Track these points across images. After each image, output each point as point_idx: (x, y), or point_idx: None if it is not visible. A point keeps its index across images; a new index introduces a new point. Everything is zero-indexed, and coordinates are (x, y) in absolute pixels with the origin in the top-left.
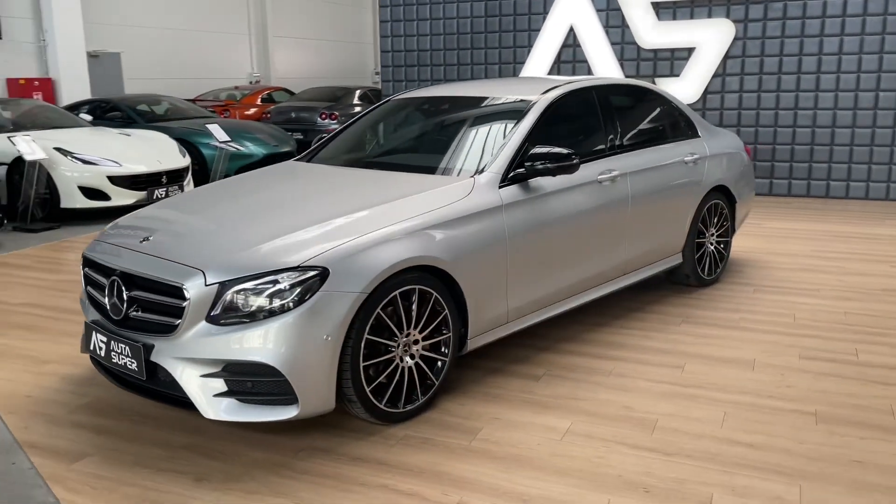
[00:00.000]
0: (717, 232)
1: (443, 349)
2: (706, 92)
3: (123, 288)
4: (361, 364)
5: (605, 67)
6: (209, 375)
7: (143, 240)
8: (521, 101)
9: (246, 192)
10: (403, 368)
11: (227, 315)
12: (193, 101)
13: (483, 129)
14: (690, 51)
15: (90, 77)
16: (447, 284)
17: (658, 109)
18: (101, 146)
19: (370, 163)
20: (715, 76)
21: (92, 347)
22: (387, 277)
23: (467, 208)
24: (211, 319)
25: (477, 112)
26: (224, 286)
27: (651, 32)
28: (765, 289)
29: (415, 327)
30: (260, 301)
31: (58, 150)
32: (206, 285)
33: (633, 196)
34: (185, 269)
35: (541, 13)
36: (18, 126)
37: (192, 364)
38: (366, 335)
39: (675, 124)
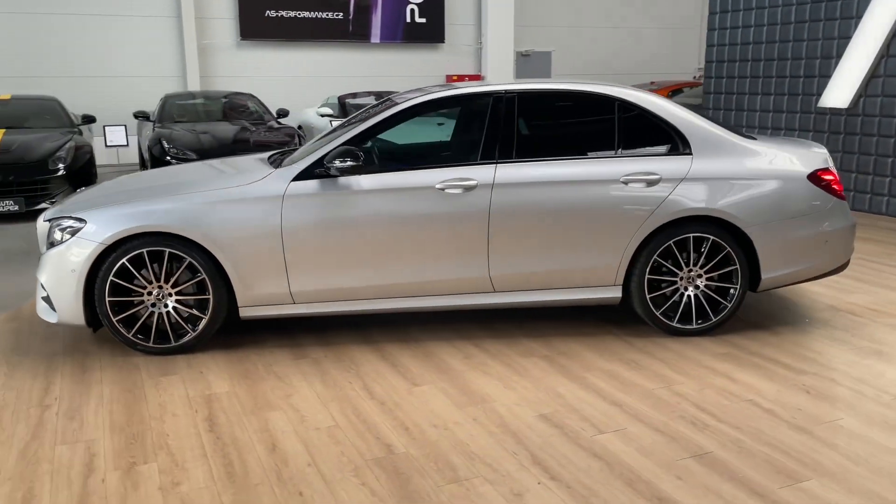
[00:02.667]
0: (704, 273)
1: (205, 309)
2: None
3: None
4: (107, 298)
5: None
6: (41, 285)
7: (80, 190)
8: (389, 105)
9: (189, 167)
10: (153, 313)
11: (52, 244)
12: None
13: (350, 130)
14: None
15: (518, 74)
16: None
17: (609, 121)
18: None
19: (275, 158)
20: None
21: None
22: (129, 236)
23: (240, 194)
24: (48, 245)
25: (369, 114)
26: (51, 223)
27: None
28: (744, 356)
29: (166, 282)
30: (58, 235)
31: None
32: (44, 221)
33: (495, 210)
34: (48, 209)
35: None
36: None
37: (39, 275)
38: (111, 278)
39: (635, 138)
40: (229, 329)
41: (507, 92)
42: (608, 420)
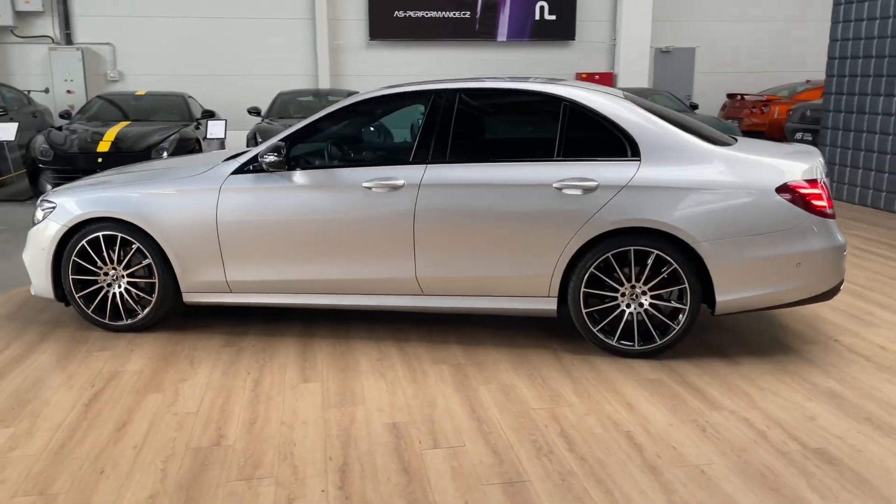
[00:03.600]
0: (650, 291)
1: (153, 292)
2: None
3: None
4: (70, 276)
5: None
6: None
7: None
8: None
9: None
10: (108, 293)
11: (34, 223)
12: (740, 96)
13: (292, 127)
14: None
15: (657, 71)
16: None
17: (552, 122)
18: None
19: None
20: None
21: None
22: (84, 221)
23: (180, 186)
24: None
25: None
26: (38, 204)
27: None
28: (672, 384)
29: (119, 264)
30: (39, 215)
31: None
32: (37, 202)
33: (421, 211)
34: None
35: None
36: None
37: (24, 251)
38: (73, 258)
39: (580, 140)
40: (200, 312)
41: (445, 91)
42: (453, 436)
